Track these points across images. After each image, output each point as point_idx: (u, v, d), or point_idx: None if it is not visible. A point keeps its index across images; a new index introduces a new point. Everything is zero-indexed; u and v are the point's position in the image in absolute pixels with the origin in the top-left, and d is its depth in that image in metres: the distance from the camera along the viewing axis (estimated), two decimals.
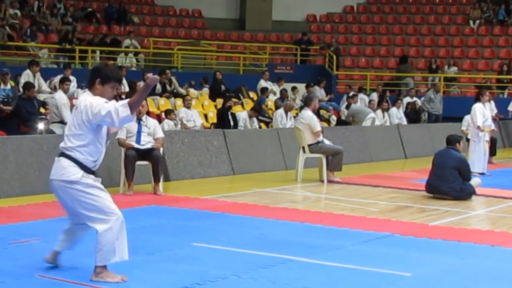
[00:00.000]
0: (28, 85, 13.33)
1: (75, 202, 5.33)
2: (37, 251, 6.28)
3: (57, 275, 5.44)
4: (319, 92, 20.96)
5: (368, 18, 30.00)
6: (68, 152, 5.31)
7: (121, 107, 5.16)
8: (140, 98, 5.27)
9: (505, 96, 24.33)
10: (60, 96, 12.87)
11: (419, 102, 21.46)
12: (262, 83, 20.67)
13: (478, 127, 13.36)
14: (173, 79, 18.35)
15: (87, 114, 5.23)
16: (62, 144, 5.37)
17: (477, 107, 13.51)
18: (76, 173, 5.27)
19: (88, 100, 5.28)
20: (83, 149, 5.29)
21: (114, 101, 5.25)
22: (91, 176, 5.34)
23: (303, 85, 20.84)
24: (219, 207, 8.86)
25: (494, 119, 16.14)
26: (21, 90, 14.54)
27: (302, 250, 6.56)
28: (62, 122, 12.31)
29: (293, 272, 5.81)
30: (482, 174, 13.06)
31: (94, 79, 5.39)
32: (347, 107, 19.31)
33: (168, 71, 18.34)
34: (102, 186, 5.39)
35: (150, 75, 5.63)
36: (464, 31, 28.73)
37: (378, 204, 9.62)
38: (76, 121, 5.29)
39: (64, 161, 5.31)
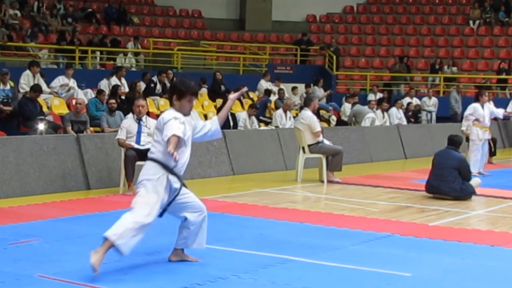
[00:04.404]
0: (36, 88, 13.34)
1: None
2: (37, 251, 6.29)
3: (57, 275, 5.44)
4: (319, 92, 20.98)
5: (368, 18, 30.00)
6: (151, 155, 5.82)
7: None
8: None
9: (508, 96, 24.39)
10: None
11: (414, 103, 21.68)
12: (264, 84, 20.69)
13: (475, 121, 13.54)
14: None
15: (161, 126, 5.74)
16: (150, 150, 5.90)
17: (471, 105, 13.68)
18: (156, 173, 5.70)
19: (165, 114, 5.78)
20: (162, 150, 5.70)
21: (179, 128, 5.63)
22: (169, 177, 5.69)
23: (303, 85, 20.87)
24: (219, 207, 8.86)
25: (494, 119, 16.14)
26: (21, 90, 14.54)
27: (302, 250, 6.56)
28: None
29: (293, 272, 5.81)
30: (480, 174, 13.04)
31: (171, 95, 5.91)
32: (352, 106, 19.32)
33: (169, 71, 18.32)
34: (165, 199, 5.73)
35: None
36: (464, 31, 28.74)
37: (378, 204, 9.62)
38: (157, 129, 5.81)
39: (148, 163, 5.82)
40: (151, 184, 5.68)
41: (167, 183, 5.70)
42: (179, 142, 5.65)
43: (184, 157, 5.85)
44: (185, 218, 5.94)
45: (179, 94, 5.80)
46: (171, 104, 5.92)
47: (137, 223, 5.53)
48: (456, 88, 22.22)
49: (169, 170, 5.72)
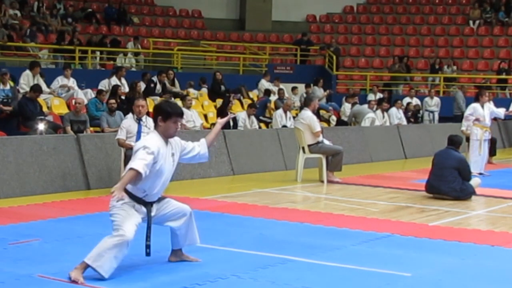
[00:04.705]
0: (36, 88, 13.35)
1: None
2: (37, 251, 6.30)
3: (57, 275, 5.44)
4: (319, 92, 20.99)
5: (368, 18, 30.01)
6: None
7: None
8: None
9: (508, 96, 24.40)
10: None
11: (414, 103, 21.73)
12: (265, 84, 20.68)
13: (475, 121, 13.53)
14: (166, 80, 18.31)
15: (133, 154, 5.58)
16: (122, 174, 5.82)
17: (471, 105, 13.69)
18: (121, 200, 5.49)
19: (141, 140, 5.70)
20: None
21: (143, 160, 5.42)
22: (135, 207, 5.57)
23: (303, 85, 20.88)
24: (219, 207, 8.87)
25: (494, 119, 16.12)
26: (21, 90, 14.54)
27: (302, 250, 6.56)
28: None
29: (293, 272, 5.81)
30: (481, 174, 13.05)
31: (156, 117, 5.70)
32: (352, 106, 19.33)
33: (170, 71, 18.30)
34: (138, 216, 5.61)
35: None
36: (464, 31, 28.74)
37: (378, 204, 9.62)
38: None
39: None
40: (117, 209, 5.51)
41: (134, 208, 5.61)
42: (137, 176, 5.42)
43: (157, 186, 5.68)
44: (170, 226, 5.93)
45: (165, 115, 5.63)
46: (156, 127, 5.71)
47: (112, 243, 5.41)
48: (461, 88, 22.25)
49: (137, 199, 5.60)
